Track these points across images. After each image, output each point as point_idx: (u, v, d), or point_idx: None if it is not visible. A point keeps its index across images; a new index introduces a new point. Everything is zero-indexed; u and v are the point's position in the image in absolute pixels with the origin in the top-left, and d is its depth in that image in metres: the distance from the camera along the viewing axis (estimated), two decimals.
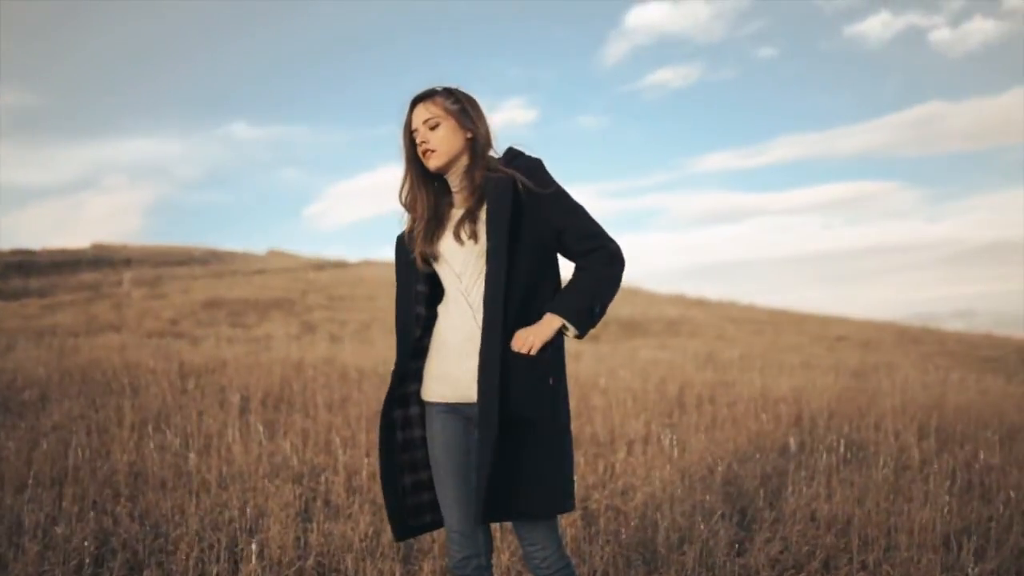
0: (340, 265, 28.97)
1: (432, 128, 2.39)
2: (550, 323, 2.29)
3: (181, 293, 16.01)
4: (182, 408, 6.21)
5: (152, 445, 5.07)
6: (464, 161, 2.42)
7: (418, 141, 2.40)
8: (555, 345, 2.34)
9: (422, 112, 2.41)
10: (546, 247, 2.36)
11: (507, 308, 2.28)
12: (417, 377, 2.49)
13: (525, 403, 2.28)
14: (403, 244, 2.51)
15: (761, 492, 4.53)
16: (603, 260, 2.34)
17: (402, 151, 2.46)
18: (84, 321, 12.38)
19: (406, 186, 2.47)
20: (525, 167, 2.35)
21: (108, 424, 5.72)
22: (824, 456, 5.22)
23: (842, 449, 5.29)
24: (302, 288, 17.92)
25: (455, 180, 2.45)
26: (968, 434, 6.39)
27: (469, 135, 2.41)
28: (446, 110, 2.39)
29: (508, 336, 2.29)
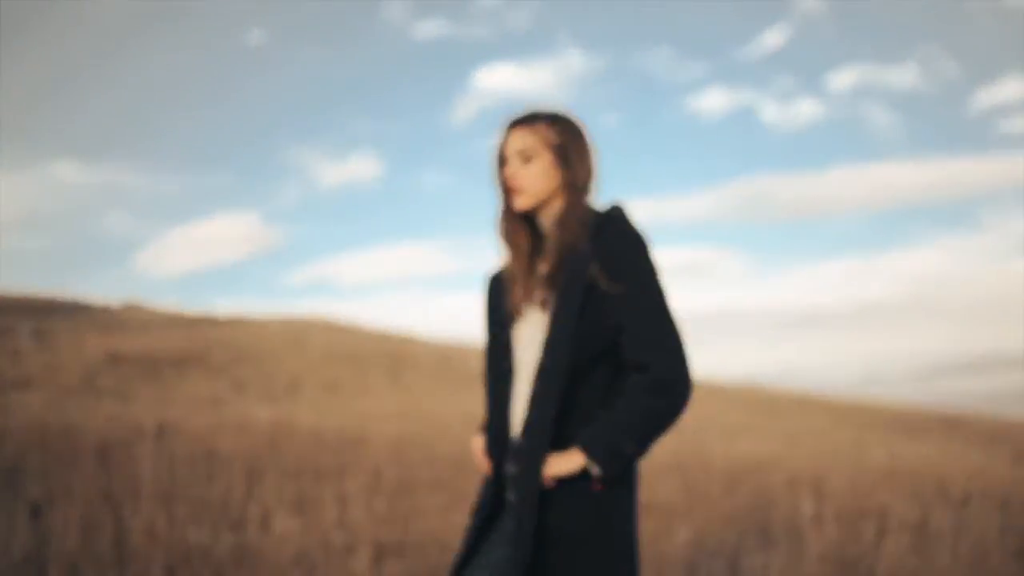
0: (222, 322, 27.59)
1: (525, 161, 1.98)
2: (571, 459, 1.86)
3: (72, 347, 14.79)
4: (184, 477, 5.62)
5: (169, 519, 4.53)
6: (557, 205, 2.00)
7: (507, 174, 2.01)
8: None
9: (517, 140, 2.00)
10: (607, 340, 1.91)
11: (555, 415, 1.89)
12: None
13: (566, 514, 1.89)
14: (495, 284, 2.10)
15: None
16: (646, 386, 1.85)
17: (494, 177, 2.07)
18: None
19: (501, 218, 2.07)
20: (607, 246, 1.91)
21: (114, 496, 5.08)
22: (884, 533, 5.25)
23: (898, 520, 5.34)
24: (203, 344, 16.92)
25: (546, 223, 2.03)
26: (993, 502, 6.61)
27: (566, 177, 1.99)
28: (546, 142, 1.99)
29: (552, 440, 1.90)
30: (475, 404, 12.92)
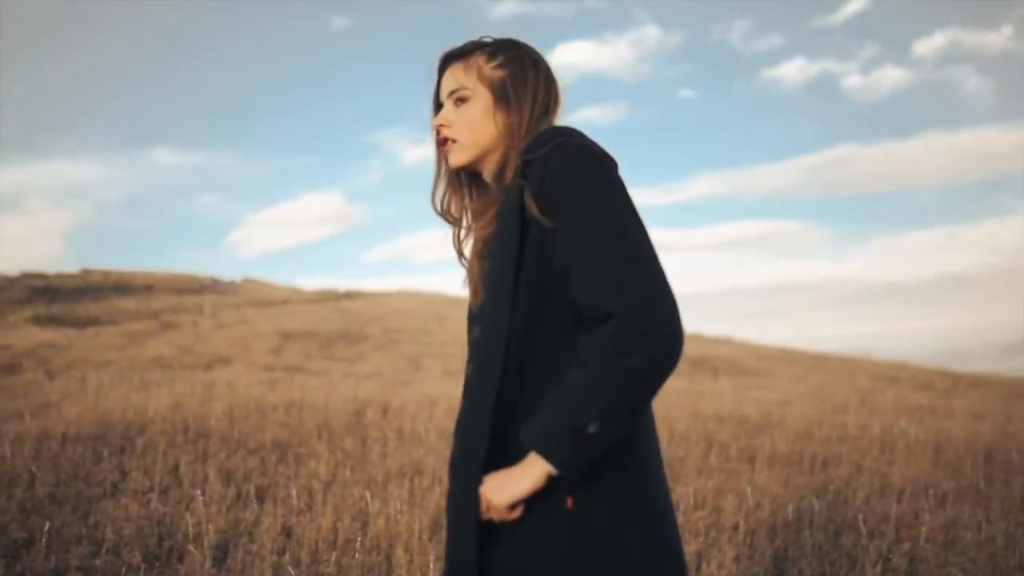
0: (351, 297, 28.21)
1: (459, 103, 1.56)
2: (530, 467, 1.34)
3: (240, 324, 15.22)
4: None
5: None
6: (496, 157, 1.56)
7: (435, 123, 1.59)
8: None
9: (449, 79, 1.58)
10: (558, 295, 1.41)
11: (498, 406, 1.39)
12: None
13: (518, 548, 1.39)
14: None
15: None
16: (606, 340, 1.29)
17: (431, 132, 1.62)
18: (178, 353, 11.57)
19: (440, 185, 1.63)
20: (542, 172, 1.40)
21: (392, 473, 5.06)
22: None
23: None
24: (355, 320, 17.23)
25: (490, 181, 1.60)
26: None
27: (509, 120, 1.53)
28: (483, 78, 1.55)
29: (496, 452, 1.41)
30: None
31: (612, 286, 1.30)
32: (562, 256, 1.37)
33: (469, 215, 1.61)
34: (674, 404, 8.86)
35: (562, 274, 1.38)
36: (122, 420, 5.89)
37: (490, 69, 1.55)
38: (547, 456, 1.31)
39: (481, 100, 1.54)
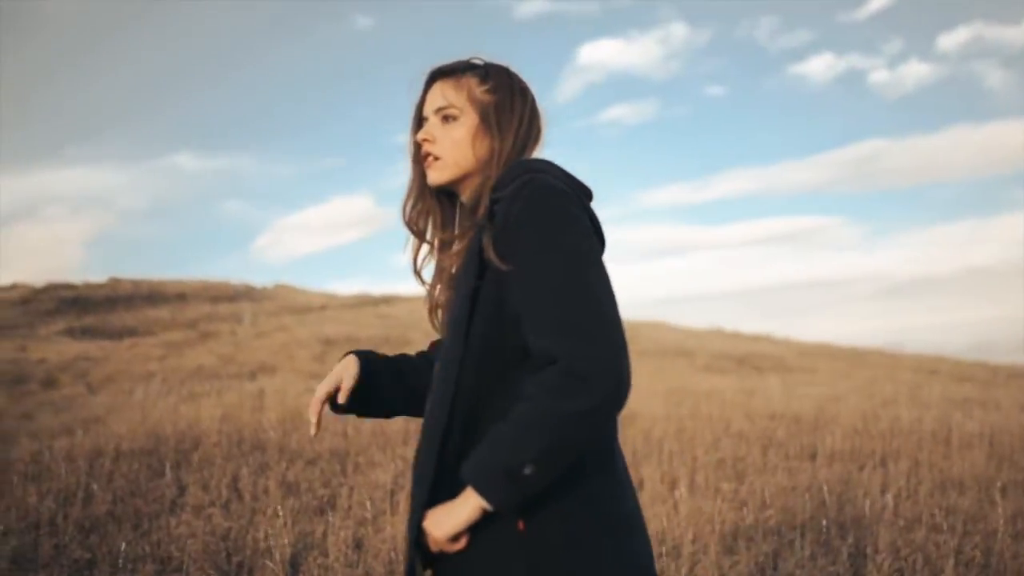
0: (386, 301, 28.19)
1: (445, 120, 1.54)
2: (465, 501, 1.34)
3: (280, 331, 15.23)
4: None
5: None
6: (475, 182, 1.55)
7: (419, 137, 1.56)
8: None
9: (437, 95, 1.56)
10: (512, 339, 1.40)
11: (446, 439, 1.39)
12: None
13: (472, 568, 1.38)
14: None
15: None
16: (549, 382, 1.28)
17: (408, 144, 1.61)
18: (221, 362, 11.55)
19: (412, 196, 1.61)
20: (502, 212, 1.40)
21: None
22: None
23: None
24: (396, 325, 17.19)
25: (465, 205, 1.60)
26: None
27: (493, 146, 1.53)
28: (473, 100, 1.54)
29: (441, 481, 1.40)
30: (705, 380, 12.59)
31: (559, 330, 1.30)
32: (515, 298, 1.36)
33: (436, 240, 1.61)
34: (727, 403, 8.72)
35: (516, 316, 1.37)
36: (174, 433, 5.83)
37: (480, 92, 1.54)
38: (481, 493, 1.31)
39: (468, 121, 1.53)
